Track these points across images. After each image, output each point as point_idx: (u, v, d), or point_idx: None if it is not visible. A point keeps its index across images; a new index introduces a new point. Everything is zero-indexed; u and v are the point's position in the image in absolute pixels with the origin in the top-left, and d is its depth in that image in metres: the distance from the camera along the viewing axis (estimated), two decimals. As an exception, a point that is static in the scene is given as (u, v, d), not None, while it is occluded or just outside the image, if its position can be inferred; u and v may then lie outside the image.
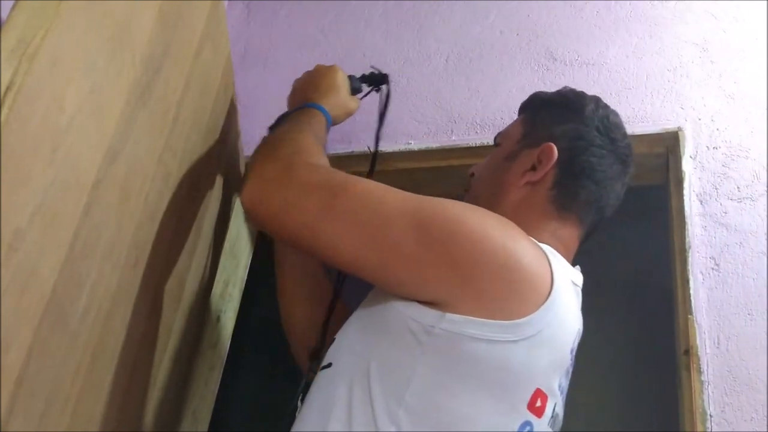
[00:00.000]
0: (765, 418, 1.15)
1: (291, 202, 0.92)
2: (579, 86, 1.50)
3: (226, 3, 1.77)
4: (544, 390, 0.89)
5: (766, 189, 1.32)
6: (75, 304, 0.94)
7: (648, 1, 1.57)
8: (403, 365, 0.85)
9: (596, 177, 1.05)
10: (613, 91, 1.49)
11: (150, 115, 1.07)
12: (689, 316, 1.24)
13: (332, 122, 1.15)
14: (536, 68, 1.57)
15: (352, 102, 1.23)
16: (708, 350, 1.22)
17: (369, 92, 1.30)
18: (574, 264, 1.03)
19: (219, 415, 1.55)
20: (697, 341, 1.22)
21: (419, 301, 0.87)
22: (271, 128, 1.14)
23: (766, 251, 1.27)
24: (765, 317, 1.22)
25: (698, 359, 1.21)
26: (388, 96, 1.26)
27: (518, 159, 1.07)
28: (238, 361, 1.70)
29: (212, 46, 1.29)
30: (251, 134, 1.65)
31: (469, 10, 1.68)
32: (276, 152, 0.99)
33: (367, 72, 1.30)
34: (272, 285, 2.13)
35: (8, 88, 0.77)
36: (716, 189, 1.35)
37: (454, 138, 1.55)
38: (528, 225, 0.96)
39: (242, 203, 0.97)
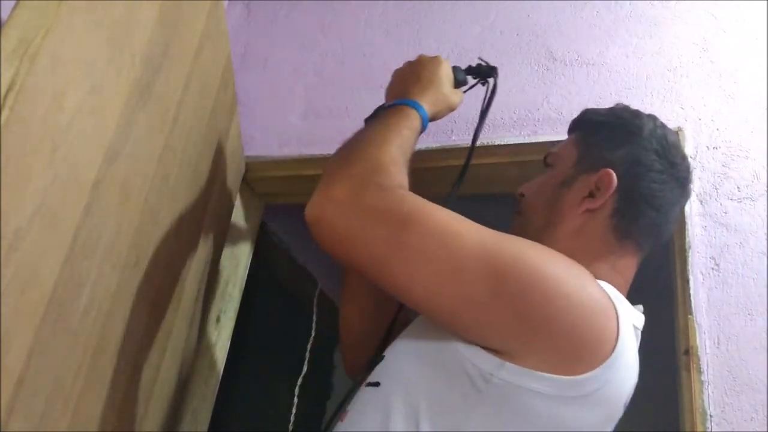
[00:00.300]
0: (765, 418, 1.15)
1: (357, 231, 0.85)
2: (579, 86, 1.51)
3: (225, 3, 1.77)
4: None
5: (766, 189, 1.32)
6: (75, 304, 0.94)
7: (648, 1, 1.57)
8: (456, 409, 0.82)
9: (656, 203, 1.00)
10: (613, 91, 1.49)
11: (150, 115, 1.07)
12: (689, 316, 1.24)
13: (431, 118, 1.06)
14: (536, 68, 1.57)
15: (454, 96, 1.13)
16: (708, 350, 1.22)
17: (474, 85, 1.21)
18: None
19: (219, 415, 1.55)
20: (697, 341, 1.22)
21: (480, 345, 0.83)
22: (367, 120, 1.06)
23: (766, 251, 1.27)
24: (765, 317, 1.22)
25: (698, 359, 1.21)
26: (494, 90, 1.18)
27: (575, 185, 1.02)
28: (238, 361, 1.70)
29: (212, 46, 1.29)
30: (251, 135, 1.66)
31: (469, 10, 1.68)
32: (350, 167, 0.89)
33: (474, 63, 1.22)
34: (272, 285, 2.12)
35: (9, 89, 0.77)
36: (716, 189, 1.35)
37: (453, 138, 1.55)
38: (587, 255, 0.94)
39: (306, 217, 0.89)
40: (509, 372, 0.81)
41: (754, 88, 1.42)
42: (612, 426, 0.90)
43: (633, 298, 0.92)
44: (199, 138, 1.28)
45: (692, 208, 1.33)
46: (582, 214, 1.00)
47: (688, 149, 1.39)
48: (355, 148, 0.95)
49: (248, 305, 1.70)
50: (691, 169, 1.06)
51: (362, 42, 1.73)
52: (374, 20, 1.75)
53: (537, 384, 0.81)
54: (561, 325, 0.81)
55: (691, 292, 1.26)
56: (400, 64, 1.72)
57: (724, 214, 1.32)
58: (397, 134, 0.97)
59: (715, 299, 1.26)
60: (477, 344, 0.83)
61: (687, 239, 1.30)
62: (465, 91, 1.19)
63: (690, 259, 1.29)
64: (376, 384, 0.89)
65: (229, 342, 1.59)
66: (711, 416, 1.17)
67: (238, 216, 1.63)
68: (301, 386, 1.91)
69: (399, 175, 0.91)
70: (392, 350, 0.94)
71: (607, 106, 1.10)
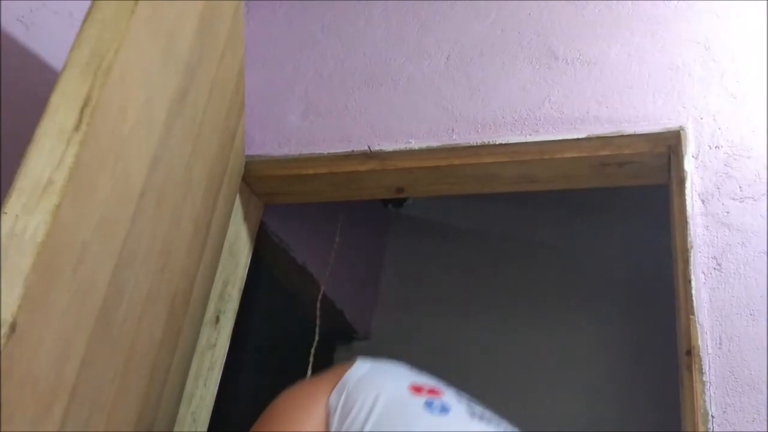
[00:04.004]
0: (767, 419, 1.14)
1: None
2: (580, 85, 1.51)
3: (226, 2, 1.77)
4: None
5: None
6: (117, 312, 0.94)
7: (650, 0, 1.57)
8: None
9: None
10: (614, 90, 1.48)
11: (184, 123, 1.08)
12: (691, 317, 1.23)
13: None
14: (537, 67, 1.57)
15: None
16: (710, 350, 1.21)
17: None
18: None
19: (218, 416, 1.54)
20: (699, 341, 1.22)
21: None
22: None
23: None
24: (767, 317, 1.21)
25: (700, 359, 1.20)
26: None
27: None
28: (238, 361, 1.69)
29: (232, 49, 1.28)
30: (251, 134, 1.65)
31: (469, 9, 1.68)
32: None
33: None
34: (271, 285, 2.12)
35: (85, 104, 0.78)
36: (718, 188, 1.34)
37: (454, 137, 1.54)
38: None
39: None
40: None
41: (757, 87, 1.41)
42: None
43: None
44: (215, 141, 1.28)
45: (694, 208, 1.33)
46: None
47: (690, 148, 1.38)
48: None
49: (248, 305, 1.70)
50: None
51: (362, 42, 1.72)
52: (374, 20, 1.74)
53: None
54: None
55: (693, 292, 1.26)
56: (401, 62, 1.72)
57: (726, 214, 1.32)
58: None
59: (717, 299, 1.25)
60: None
61: (689, 239, 1.30)
62: None
63: (692, 259, 1.28)
64: None
65: (229, 342, 1.59)
66: (713, 417, 1.16)
67: (237, 216, 1.62)
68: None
69: None
70: None
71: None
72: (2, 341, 0.68)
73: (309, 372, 1.93)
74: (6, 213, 0.71)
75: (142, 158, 0.93)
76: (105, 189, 0.84)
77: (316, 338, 2.04)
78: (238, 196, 1.60)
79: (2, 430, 0.74)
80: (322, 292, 2.17)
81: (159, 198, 1.02)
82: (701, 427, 1.15)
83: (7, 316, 0.70)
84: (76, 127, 0.76)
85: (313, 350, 2.00)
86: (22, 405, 0.74)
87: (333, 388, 0.92)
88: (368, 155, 1.57)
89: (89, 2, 0.97)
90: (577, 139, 1.45)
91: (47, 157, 0.73)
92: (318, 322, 2.09)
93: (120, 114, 0.85)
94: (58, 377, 0.80)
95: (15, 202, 0.72)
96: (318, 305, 2.13)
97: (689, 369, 1.20)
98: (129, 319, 0.98)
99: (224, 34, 1.23)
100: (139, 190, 0.94)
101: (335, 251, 2.18)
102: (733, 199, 1.32)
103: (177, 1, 0.98)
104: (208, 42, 1.14)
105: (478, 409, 0.94)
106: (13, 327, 0.69)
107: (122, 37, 0.82)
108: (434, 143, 1.55)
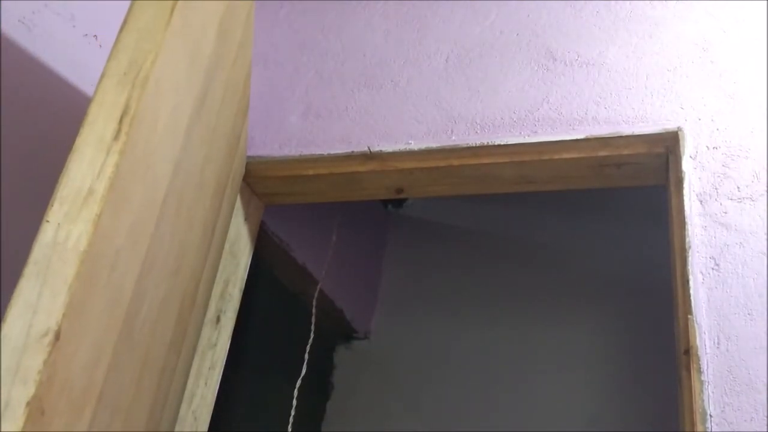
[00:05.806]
0: (765, 419, 1.15)
1: None
2: (579, 86, 1.52)
3: (226, 3, 1.77)
4: None
5: (766, 189, 1.32)
6: (138, 317, 0.95)
7: (648, 1, 1.57)
8: None
9: None
10: (612, 91, 1.49)
11: (201, 128, 1.08)
12: (689, 316, 1.24)
13: None
14: (536, 68, 1.57)
15: None
16: (708, 350, 1.22)
17: None
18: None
19: (219, 415, 1.55)
20: (697, 341, 1.22)
21: None
22: None
23: (766, 251, 1.27)
24: (765, 317, 1.22)
25: (698, 359, 1.21)
26: None
27: None
28: (238, 361, 1.70)
29: (243, 53, 1.29)
30: (252, 135, 1.66)
31: (469, 10, 1.68)
32: None
33: None
34: (272, 285, 2.12)
35: (124, 113, 0.78)
36: (716, 189, 1.35)
37: (453, 138, 1.55)
38: None
39: None
40: None
41: (754, 88, 1.42)
42: None
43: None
44: (224, 143, 1.28)
45: (692, 208, 1.33)
46: None
47: (688, 149, 1.39)
48: None
49: (248, 305, 1.70)
50: None
51: (362, 42, 1.73)
52: (374, 20, 1.75)
53: None
54: None
55: (691, 292, 1.26)
56: (401, 63, 1.73)
57: (724, 214, 1.32)
58: None
59: (715, 299, 1.26)
60: None
61: (687, 239, 1.30)
62: None
63: (690, 259, 1.29)
64: None
65: (229, 342, 1.59)
66: (711, 416, 1.17)
67: (238, 216, 1.63)
68: (300, 387, 1.90)
69: None
70: None
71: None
72: (47, 349, 0.69)
73: (304, 370, 1.94)
74: (48, 222, 0.72)
75: (167, 164, 0.94)
76: (138, 196, 0.85)
77: (311, 335, 2.05)
78: (239, 197, 1.61)
79: None
80: (318, 288, 2.18)
81: (178, 202, 1.03)
82: (699, 427, 1.16)
83: (52, 325, 0.70)
84: (115, 137, 0.76)
85: (308, 347, 2.00)
86: (59, 410, 0.75)
87: None
88: (368, 156, 1.57)
89: (91, 3, 0.98)
90: (576, 140, 1.46)
91: (88, 167, 0.73)
92: (313, 319, 2.10)
93: (153, 122, 0.86)
94: (90, 382, 0.81)
95: (57, 211, 0.73)
96: (314, 302, 2.13)
97: (687, 368, 1.21)
98: (147, 322, 0.98)
99: (238, 38, 1.23)
100: (163, 196, 0.95)
101: (332, 249, 2.19)
102: (731, 199, 1.33)
103: (204, 2, 0.98)
104: (225, 46, 1.14)
105: None
106: (57, 335, 0.70)
107: (159, 47, 0.83)
108: (434, 144, 1.55)
